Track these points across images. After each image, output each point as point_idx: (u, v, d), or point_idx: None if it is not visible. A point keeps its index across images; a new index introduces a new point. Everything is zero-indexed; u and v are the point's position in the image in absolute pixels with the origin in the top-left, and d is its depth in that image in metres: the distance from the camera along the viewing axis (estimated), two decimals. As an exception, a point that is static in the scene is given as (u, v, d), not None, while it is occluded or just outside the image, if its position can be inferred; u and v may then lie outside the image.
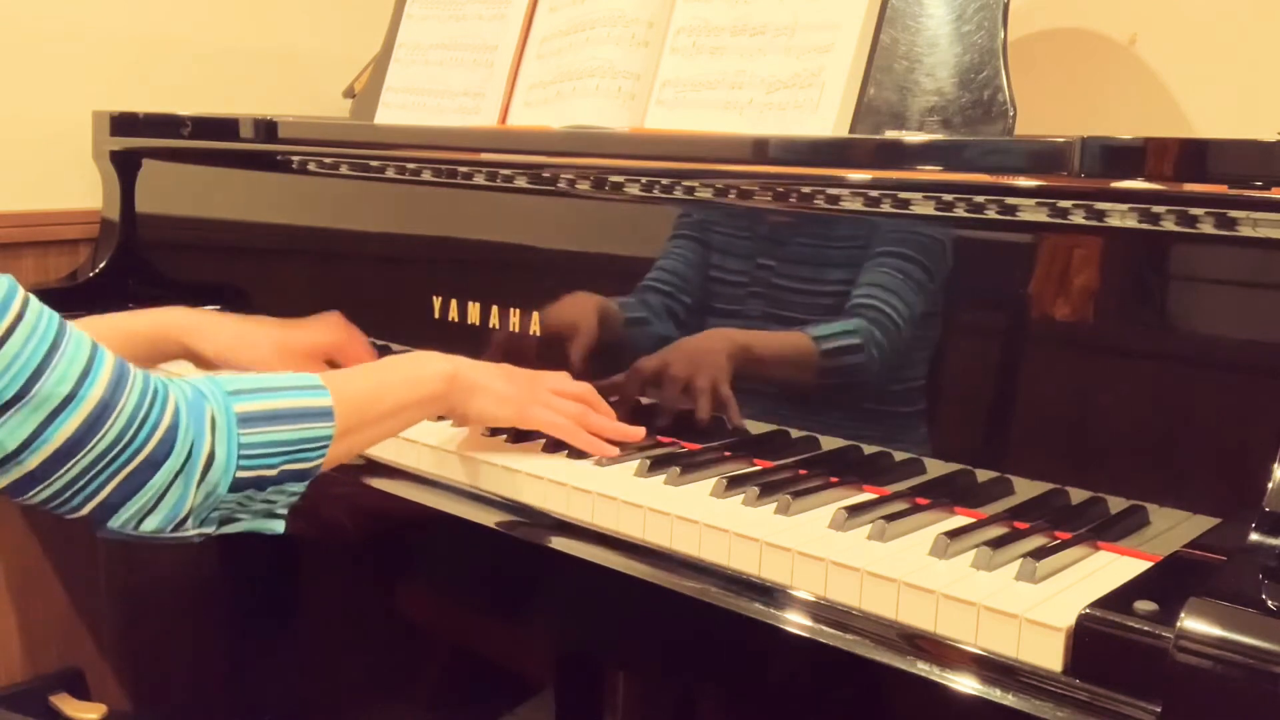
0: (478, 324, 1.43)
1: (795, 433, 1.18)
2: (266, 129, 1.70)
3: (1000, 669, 0.83)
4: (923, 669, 0.86)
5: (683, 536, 1.02)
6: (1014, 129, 1.17)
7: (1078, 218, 0.99)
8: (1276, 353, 0.92)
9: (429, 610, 2.02)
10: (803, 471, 1.13)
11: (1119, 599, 0.82)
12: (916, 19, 1.24)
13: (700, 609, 0.97)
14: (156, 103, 1.93)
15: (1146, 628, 0.78)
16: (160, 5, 2.00)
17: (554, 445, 1.20)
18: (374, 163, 1.57)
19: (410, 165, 1.51)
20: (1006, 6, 1.20)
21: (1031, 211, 1.02)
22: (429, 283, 1.48)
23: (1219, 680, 0.73)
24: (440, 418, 1.25)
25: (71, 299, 1.82)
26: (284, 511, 1.01)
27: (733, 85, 1.32)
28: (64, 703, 1.85)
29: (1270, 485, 0.88)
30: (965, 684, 0.84)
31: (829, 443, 1.16)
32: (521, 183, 1.39)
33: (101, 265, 1.89)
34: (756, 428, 1.20)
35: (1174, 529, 0.95)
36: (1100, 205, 0.98)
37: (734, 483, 1.08)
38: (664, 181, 1.26)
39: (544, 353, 1.35)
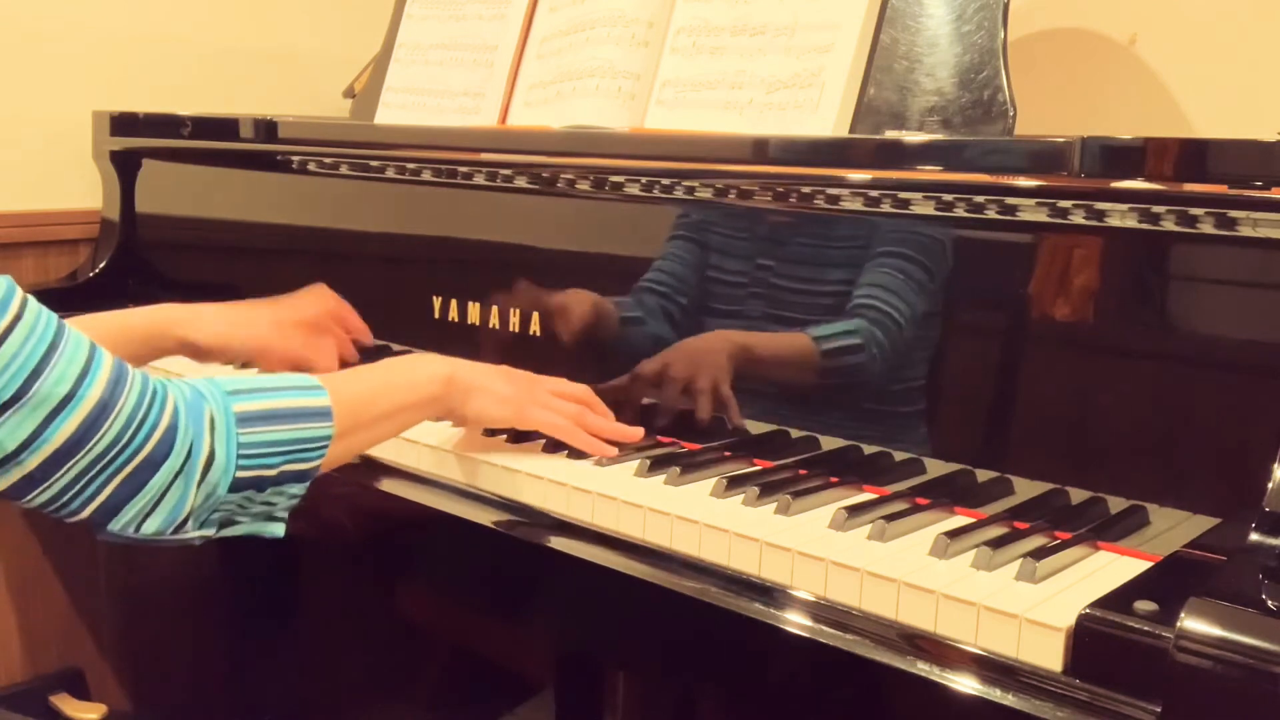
0: (478, 324, 1.43)
1: (795, 433, 1.18)
2: (266, 129, 1.70)
3: (1000, 669, 0.83)
4: (923, 669, 0.86)
5: (683, 536, 1.02)
6: (1014, 129, 1.17)
7: (1078, 218, 0.99)
8: (1276, 353, 0.92)
9: (429, 610, 2.02)
10: (803, 471, 1.13)
11: (1119, 599, 0.82)
12: (916, 19, 1.24)
13: (700, 609, 0.97)
14: (156, 103, 1.93)
15: (1146, 628, 0.78)
16: (160, 5, 2.00)
17: (554, 445, 1.20)
18: (374, 163, 1.57)
19: (410, 165, 1.51)
20: (1006, 6, 1.20)
21: (1031, 211, 1.02)
22: (429, 283, 1.48)
23: (1219, 680, 0.73)
24: (440, 418, 1.25)
25: (71, 299, 1.82)
26: (284, 514, 1.01)
27: (733, 85, 1.32)
28: (64, 703, 1.85)
29: (1270, 485, 0.88)
30: (965, 684, 0.84)
31: (829, 443, 1.16)
32: (521, 183, 1.39)
33: (101, 265, 1.89)
34: (756, 428, 1.20)
35: (1174, 529, 0.95)
36: (1100, 205, 0.98)
37: (734, 483, 1.08)
38: (664, 181, 1.26)
39: (544, 353, 1.35)
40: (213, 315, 1.35)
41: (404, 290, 1.53)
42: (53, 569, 1.92)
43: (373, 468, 1.25)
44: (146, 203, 1.90)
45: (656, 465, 1.13)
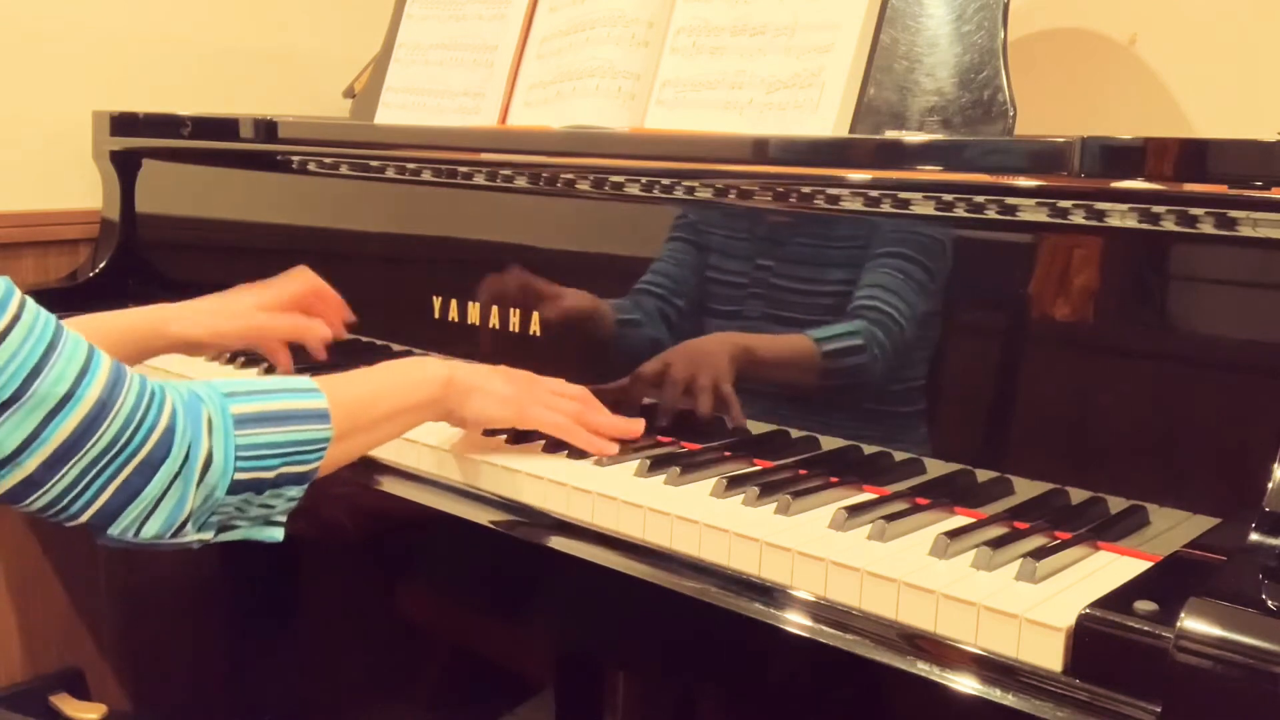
0: (478, 324, 1.43)
1: (795, 433, 1.18)
2: (266, 129, 1.70)
3: (1000, 669, 0.83)
4: (923, 669, 0.86)
5: (683, 536, 1.02)
6: (1014, 129, 1.17)
7: (1078, 218, 0.99)
8: (1276, 353, 0.92)
9: (429, 610, 2.02)
10: (803, 471, 1.13)
11: (1119, 599, 0.82)
12: (916, 19, 1.24)
13: (700, 609, 0.97)
14: (156, 103, 1.93)
15: (1146, 628, 0.78)
16: (160, 5, 2.00)
17: (554, 445, 1.20)
18: (374, 163, 1.57)
19: (410, 165, 1.52)
20: (1006, 6, 1.20)
21: (1031, 211, 1.02)
22: (429, 283, 1.48)
23: (1219, 680, 0.73)
24: (440, 420, 1.25)
25: (71, 299, 1.82)
26: (282, 518, 1.01)
27: (733, 85, 1.32)
28: (64, 703, 1.85)
29: (1270, 485, 0.88)
30: (965, 684, 0.84)
31: (829, 443, 1.16)
32: (521, 183, 1.39)
33: (101, 265, 1.89)
34: (756, 428, 1.20)
35: (1174, 529, 0.95)
36: (1100, 205, 0.98)
37: (734, 483, 1.08)
38: (664, 181, 1.26)
39: (544, 353, 1.35)
40: (201, 309, 1.36)
41: (404, 290, 1.53)
42: (53, 569, 1.92)
43: (372, 468, 1.25)
44: (146, 203, 1.90)
45: (656, 465, 1.13)
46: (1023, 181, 1.02)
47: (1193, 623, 0.74)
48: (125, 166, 1.90)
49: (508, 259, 1.41)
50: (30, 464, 0.86)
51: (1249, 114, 1.46)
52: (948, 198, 1.06)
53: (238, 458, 0.94)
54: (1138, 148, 0.96)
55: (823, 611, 0.92)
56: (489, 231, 1.45)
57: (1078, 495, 1.01)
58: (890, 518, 0.99)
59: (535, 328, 1.37)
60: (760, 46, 1.31)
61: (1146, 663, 0.77)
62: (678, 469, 1.11)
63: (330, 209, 1.64)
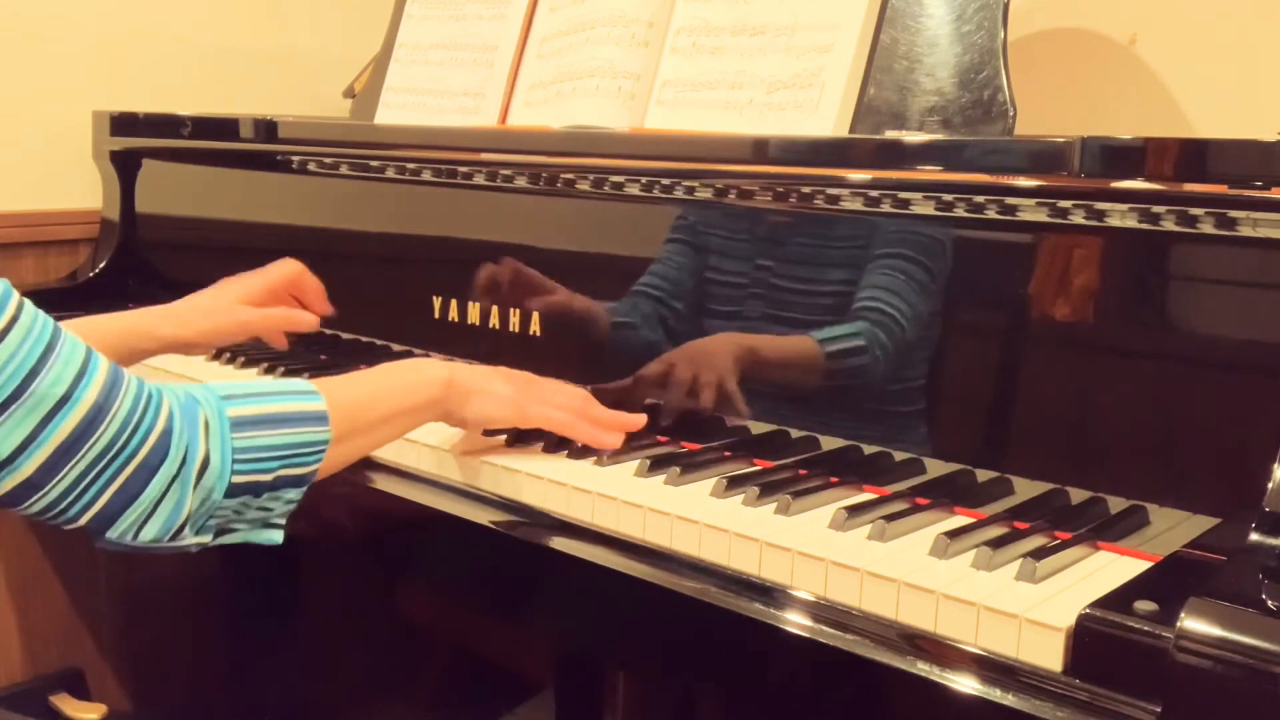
0: (478, 324, 1.43)
1: (795, 433, 1.18)
2: (266, 129, 1.70)
3: (1000, 669, 0.83)
4: (923, 669, 0.86)
5: (683, 536, 1.02)
6: (1014, 129, 1.17)
7: (1078, 218, 0.99)
8: (1276, 353, 0.92)
9: (429, 610, 2.02)
10: (803, 471, 1.13)
11: (1119, 599, 0.82)
12: (916, 19, 1.24)
13: (700, 609, 0.97)
14: (156, 103, 1.93)
15: (1146, 628, 0.78)
16: (160, 5, 2.00)
17: (554, 445, 1.20)
18: (374, 163, 1.57)
19: (410, 165, 1.52)
20: (1006, 6, 1.20)
21: (1031, 211, 1.02)
22: (429, 283, 1.48)
23: (1219, 680, 0.73)
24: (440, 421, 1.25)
25: (71, 299, 1.82)
26: (281, 521, 1.01)
27: (733, 85, 1.32)
28: (64, 703, 1.85)
29: (1270, 485, 0.88)
30: (965, 684, 0.84)
31: (829, 443, 1.16)
32: (521, 183, 1.39)
33: (101, 265, 1.89)
34: (756, 428, 1.20)
35: (1174, 529, 0.95)
36: (1100, 205, 0.98)
37: (734, 483, 1.08)
38: (664, 181, 1.26)
39: (544, 353, 1.35)
40: (189, 310, 1.37)
41: (404, 290, 1.53)
42: (53, 569, 1.92)
43: (372, 467, 1.25)
44: (146, 203, 1.90)
45: (656, 465, 1.13)
46: (1023, 181, 1.02)
47: (1193, 623, 0.74)
48: (125, 166, 1.90)
49: (511, 260, 1.41)
50: (28, 466, 0.86)
51: (1249, 114, 1.46)
52: (948, 198, 1.06)
53: (235, 460, 0.94)
54: (1138, 148, 0.96)
55: (823, 611, 0.92)
56: (489, 231, 1.44)
57: (1078, 495, 1.01)
58: (890, 518, 0.99)
59: (535, 328, 1.37)
60: (760, 46, 1.31)
61: (1146, 663, 0.77)
62: (678, 469, 1.11)
63: (330, 209, 1.64)
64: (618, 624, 1.10)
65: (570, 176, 1.34)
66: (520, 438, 1.23)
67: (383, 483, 1.24)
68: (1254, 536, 0.87)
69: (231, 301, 1.38)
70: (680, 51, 1.38)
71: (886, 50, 1.24)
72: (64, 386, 0.86)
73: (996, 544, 0.93)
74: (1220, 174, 0.93)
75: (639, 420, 1.22)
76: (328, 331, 1.64)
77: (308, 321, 1.42)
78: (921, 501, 1.05)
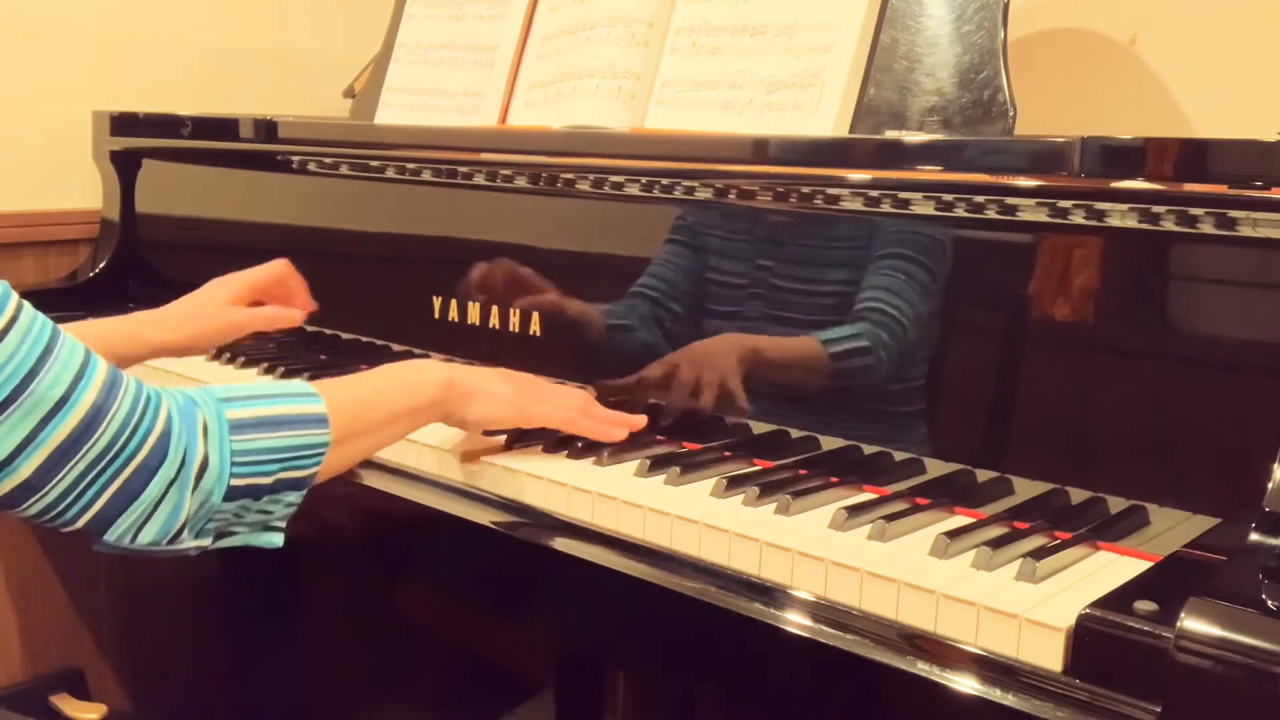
0: (478, 324, 1.43)
1: (795, 433, 1.18)
2: (266, 129, 1.70)
3: (1000, 669, 0.83)
4: (923, 669, 0.86)
5: (683, 536, 1.02)
6: (1014, 129, 1.17)
7: (1078, 218, 0.99)
8: (1276, 353, 0.92)
9: (429, 610, 2.02)
10: (803, 471, 1.13)
11: (1119, 599, 0.82)
12: (916, 19, 1.24)
13: (700, 609, 0.97)
14: (156, 103, 1.93)
15: (1146, 628, 0.78)
16: (160, 5, 2.00)
17: (553, 445, 1.20)
18: (374, 163, 1.57)
19: (410, 165, 1.52)
20: (1006, 6, 1.20)
21: (1031, 211, 1.02)
22: (429, 283, 1.48)
23: (1219, 680, 0.73)
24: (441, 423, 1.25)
25: (71, 299, 1.82)
26: (281, 524, 1.00)
27: (733, 85, 1.32)
28: (64, 703, 1.85)
29: (1270, 485, 0.88)
30: (965, 684, 0.84)
31: (829, 443, 1.16)
32: (521, 183, 1.39)
33: (101, 265, 1.89)
34: (756, 428, 1.20)
35: (1174, 529, 0.95)
36: (1100, 205, 0.98)
37: (734, 483, 1.08)
38: (664, 181, 1.26)
39: (544, 353, 1.35)
40: (178, 314, 1.38)
41: (404, 290, 1.53)
42: (53, 569, 1.92)
43: (372, 468, 1.25)
44: (146, 203, 1.90)
45: (656, 465, 1.13)
46: (1023, 181, 1.02)
47: (1193, 623, 0.74)
48: (125, 166, 1.90)
49: (507, 259, 1.41)
50: (26, 468, 0.85)
51: (1249, 114, 1.46)
52: (948, 198, 1.06)
53: (234, 463, 0.93)
54: (1138, 148, 0.96)
55: (823, 611, 0.92)
56: (489, 231, 1.45)
57: (1078, 495, 1.01)
58: (890, 518, 0.99)
59: (535, 328, 1.37)
60: (760, 46, 1.31)
61: (1146, 663, 0.77)
62: (678, 469, 1.11)
63: (330, 209, 1.64)
64: (618, 624, 1.10)
65: (570, 176, 1.34)
66: (520, 438, 1.23)
67: (382, 483, 1.24)
68: (1254, 536, 0.87)
69: (221, 303, 1.39)
70: (680, 51, 1.38)
71: (886, 50, 1.24)
72: (62, 388, 0.86)
73: (996, 544, 0.93)
74: (1220, 174, 0.93)
75: (639, 421, 1.22)
76: (328, 331, 1.64)
77: (293, 323, 1.44)
78: (921, 501, 1.05)
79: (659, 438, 1.24)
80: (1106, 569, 0.92)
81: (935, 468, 1.09)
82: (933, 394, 1.11)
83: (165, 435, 0.90)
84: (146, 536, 0.91)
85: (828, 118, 1.24)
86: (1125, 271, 1.00)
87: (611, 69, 1.42)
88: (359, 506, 1.29)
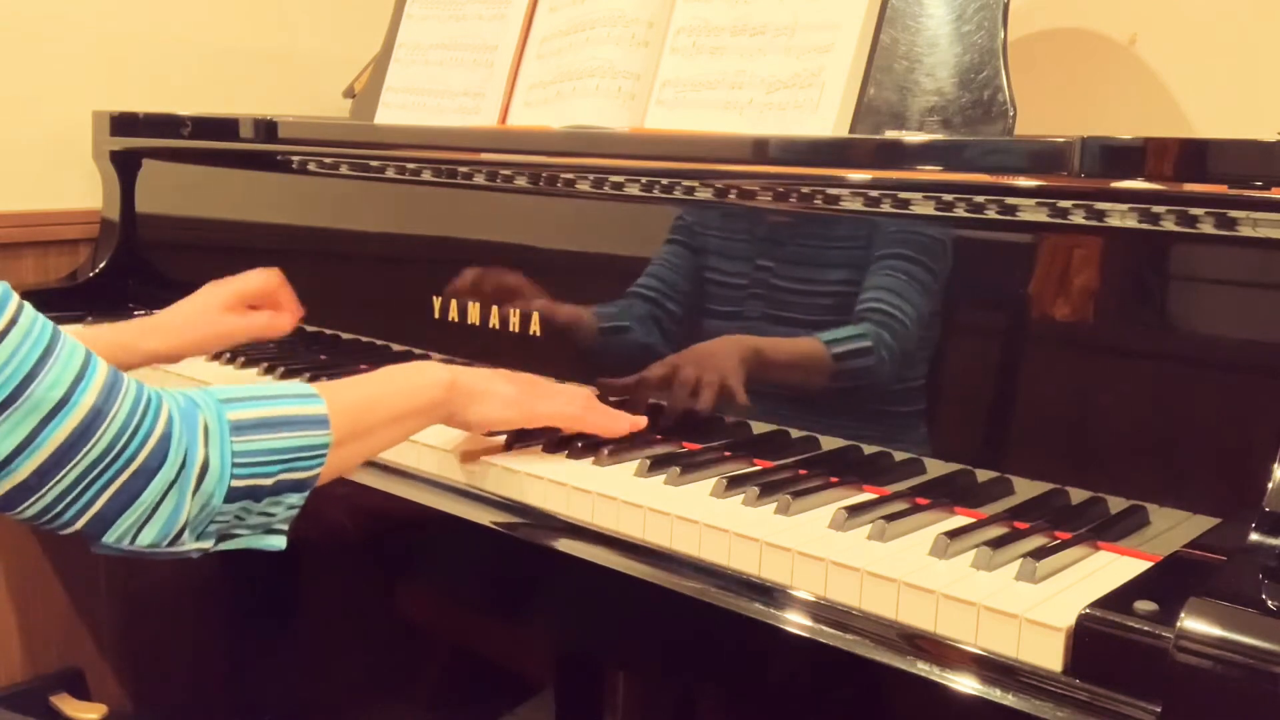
0: (478, 324, 1.43)
1: (795, 433, 1.18)
2: (266, 129, 1.70)
3: (1000, 669, 0.83)
4: (923, 669, 0.86)
5: (683, 536, 1.02)
6: (1014, 129, 1.17)
7: (1078, 218, 0.99)
8: (1276, 353, 0.92)
9: (429, 610, 2.02)
10: (803, 471, 1.13)
11: (1119, 599, 0.82)
12: (916, 19, 1.24)
13: (700, 609, 0.97)
14: (156, 103, 1.93)
15: (1146, 628, 0.78)
16: (160, 5, 2.00)
17: (554, 445, 1.20)
18: (374, 163, 1.57)
19: (410, 165, 1.52)
20: (1006, 6, 1.20)
21: (1031, 211, 1.02)
22: (429, 283, 1.48)
23: (1219, 680, 0.73)
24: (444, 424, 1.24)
25: (71, 299, 1.82)
26: (284, 527, 1.00)
27: (733, 85, 1.32)
28: (64, 703, 1.85)
29: (1270, 485, 0.88)
30: (965, 684, 0.84)
31: (829, 443, 1.16)
32: (521, 183, 1.39)
33: (101, 265, 1.89)
34: (756, 428, 1.20)
35: (1174, 529, 0.95)
36: (1100, 205, 0.98)
37: (734, 483, 1.08)
38: (664, 181, 1.26)
39: (544, 353, 1.35)
40: (171, 322, 1.40)
41: (404, 290, 1.53)
42: (53, 569, 1.92)
43: (372, 468, 1.25)
44: (146, 203, 1.90)
45: (656, 465, 1.13)
46: (1023, 181, 1.02)
47: (1193, 623, 0.74)
48: (125, 166, 1.90)
49: (508, 259, 1.41)
50: (24, 470, 0.85)
51: (1249, 114, 1.46)
52: (948, 198, 1.06)
53: (235, 464, 0.93)
54: (1138, 148, 0.96)
55: (823, 611, 0.92)
56: (489, 231, 1.45)
57: (1078, 495, 1.01)
58: (890, 518, 0.99)
59: (535, 328, 1.37)
60: (760, 46, 1.31)
61: (1146, 663, 0.77)
62: (678, 469, 1.11)
63: (330, 209, 1.64)
64: (618, 624, 1.10)
65: (570, 176, 1.34)
66: (519, 438, 1.23)
67: (381, 483, 1.24)
68: (1254, 536, 0.87)
69: (213, 311, 1.41)
70: (680, 51, 1.38)
71: (886, 50, 1.24)
72: (61, 390, 0.86)
73: (996, 544, 0.93)
74: (1220, 174, 0.93)
75: (641, 421, 1.22)
76: (328, 331, 1.64)
77: (285, 330, 1.47)
78: (921, 501, 1.05)
79: (659, 437, 1.24)
80: (1106, 569, 0.92)
81: (935, 468, 1.09)
82: (933, 394, 1.11)
83: (165, 438, 0.90)
84: (146, 538, 0.91)
85: (828, 118, 1.24)
86: (1125, 271, 1.00)
87: (611, 69, 1.42)
88: (358, 506, 1.29)
